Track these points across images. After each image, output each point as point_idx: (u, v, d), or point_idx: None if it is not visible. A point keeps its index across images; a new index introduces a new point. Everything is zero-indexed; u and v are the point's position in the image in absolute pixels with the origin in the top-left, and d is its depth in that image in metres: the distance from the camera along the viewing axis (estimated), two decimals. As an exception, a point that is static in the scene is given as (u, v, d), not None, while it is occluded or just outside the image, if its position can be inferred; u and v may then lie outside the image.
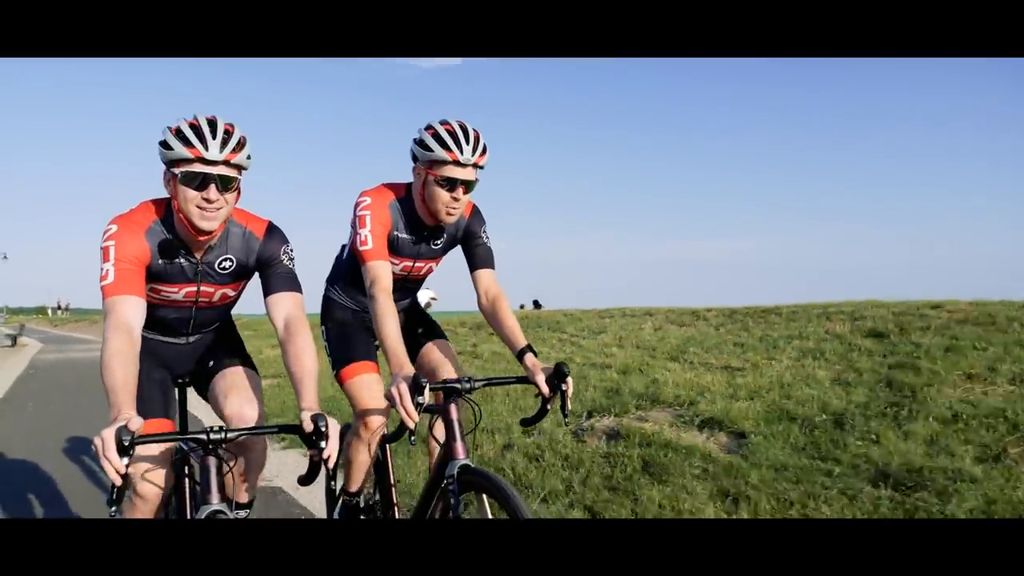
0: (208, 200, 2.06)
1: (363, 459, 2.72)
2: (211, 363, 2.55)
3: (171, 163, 2.07)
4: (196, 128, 2.04)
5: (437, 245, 2.73)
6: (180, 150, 2.03)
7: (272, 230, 2.35)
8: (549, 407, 2.41)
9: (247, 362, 2.57)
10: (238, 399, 2.37)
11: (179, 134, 2.04)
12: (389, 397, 2.13)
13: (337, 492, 3.04)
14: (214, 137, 2.04)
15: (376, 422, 2.65)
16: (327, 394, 6.41)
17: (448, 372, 2.83)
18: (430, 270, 2.84)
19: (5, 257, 54.52)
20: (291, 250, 2.36)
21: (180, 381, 2.61)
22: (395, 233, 2.60)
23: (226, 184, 2.08)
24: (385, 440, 2.82)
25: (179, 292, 2.31)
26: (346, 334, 2.84)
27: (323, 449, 1.86)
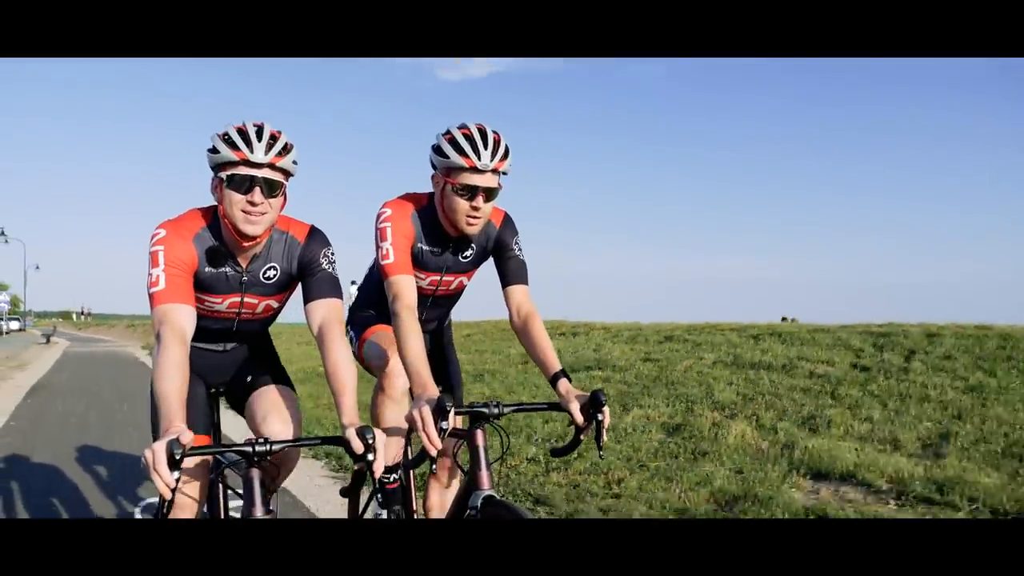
0: (252, 203, 2.02)
1: (393, 417, 2.48)
2: (248, 377, 2.47)
3: (218, 167, 2.05)
4: (243, 132, 2.03)
5: (466, 258, 2.56)
6: (226, 153, 2.01)
7: (314, 233, 2.27)
8: (583, 437, 2.22)
9: (283, 378, 2.50)
10: (276, 419, 2.28)
11: (226, 138, 2.03)
12: (410, 420, 1.96)
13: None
14: (259, 140, 2.01)
15: (398, 379, 2.45)
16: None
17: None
18: (461, 285, 2.68)
19: (37, 267, 59.55)
20: (332, 253, 2.26)
21: (212, 390, 2.53)
22: (419, 245, 2.45)
23: (272, 188, 2.04)
24: (406, 466, 2.61)
25: (223, 303, 2.25)
26: (376, 323, 2.70)
27: (372, 462, 1.80)
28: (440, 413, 1.91)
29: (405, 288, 2.28)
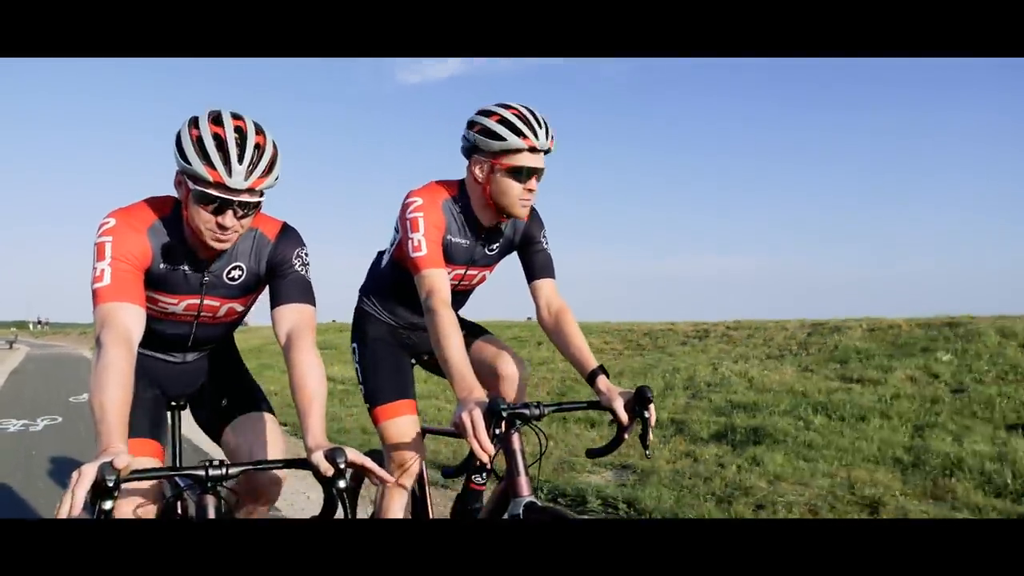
0: (222, 227, 1.79)
1: (399, 503, 2.41)
2: (223, 400, 2.26)
3: (185, 173, 1.76)
4: (221, 144, 1.72)
5: (493, 250, 2.44)
6: (199, 168, 1.71)
7: (286, 231, 2.05)
8: (626, 436, 2.10)
9: (260, 399, 2.29)
10: (260, 452, 2.10)
11: (200, 147, 1.71)
12: (459, 426, 1.80)
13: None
14: (240, 160, 1.72)
15: (413, 465, 2.38)
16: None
17: (511, 385, 2.52)
18: (483, 279, 2.55)
19: None
20: (306, 254, 2.06)
21: (173, 404, 2.28)
22: (448, 237, 2.31)
23: (247, 210, 1.80)
24: (444, 475, 2.57)
25: (179, 304, 2.01)
26: (382, 358, 2.53)
27: (344, 489, 1.58)
28: (492, 416, 1.80)
29: (439, 282, 2.14)
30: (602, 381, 2.14)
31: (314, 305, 2.02)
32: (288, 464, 1.69)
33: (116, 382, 1.60)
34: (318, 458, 1.61)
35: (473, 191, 2.29)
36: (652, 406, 2.04)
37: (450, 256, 2.33)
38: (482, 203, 2.29)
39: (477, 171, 2.24)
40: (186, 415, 2.34)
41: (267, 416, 2.23)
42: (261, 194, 1.82)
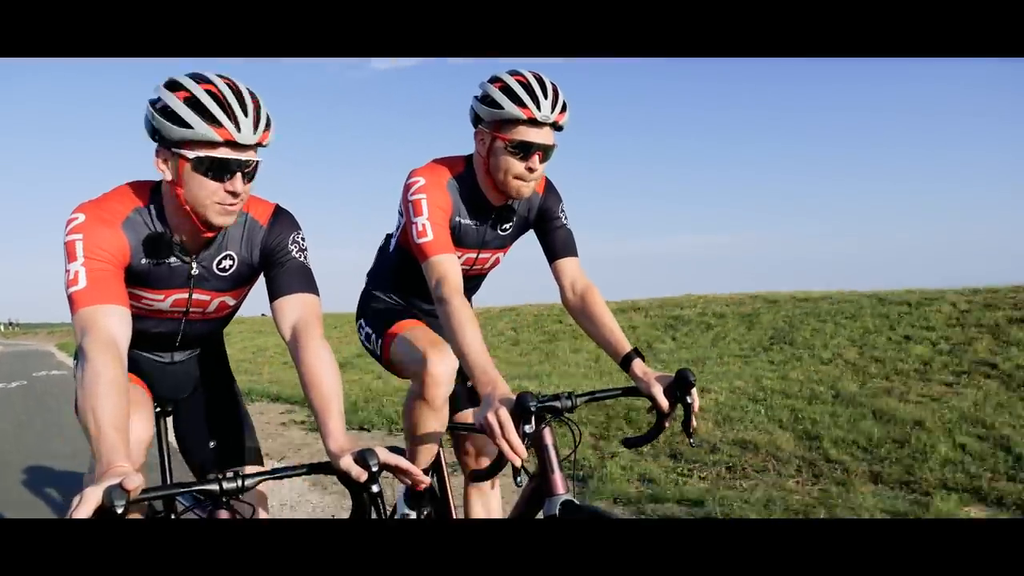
0: (233, 193, 1.62)
1: (431, 426, 2.14)
2: (200, 415, 2.10)
3: (180, 143, 1.57)
4: (220, 100, 1.56)
5: (506, 230, 2.24)
6: (203, 129, 1.54)
7: (279, 214, 1.87)
8: (667, 424, 1.95)
9: (250, 440, 2.11)
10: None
11: (197, 107, 1.54)
12: (484, 426, 1.62)
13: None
14: (246, 114, 1.57)
15: (444, 374, 2.05)
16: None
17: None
18: (496, 262, 2.36)
19: None
20: (303, 239, 1.88)
21: (158, 409, 2.12)
22: (457, 219, 2.12)
23: (252, 171, 1.64)
24: (472, 478, 2.32)
25: (165, 300, 1.84)
26: (391, 308, 2.35)
27: (377, 494, 1.44)
28: (522, 414, 1.61)
29: (450, 269, 1.95)
30: (638, 365, 1.97)
31: (318, 294, 1.84)
32: (312, 469, 1.52)
33: (108, 392, 1.41)
34: (347, 462, 1.45)
35: (478, 167, 2.10)
36: (695, 390, 1.87)
37: (459, 239, 2.14)
38: (487, 180, 2.09)
39: (479, 144, 2.05)
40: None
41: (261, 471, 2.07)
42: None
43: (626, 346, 2.03)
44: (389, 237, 2.42)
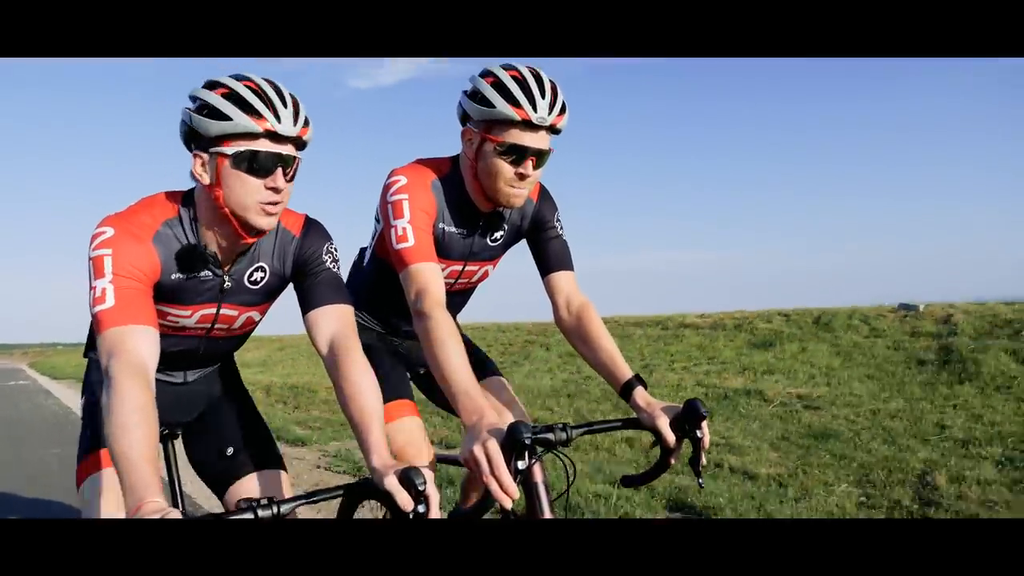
0: (276, 190, 1.56)
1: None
2: (228, 448, 1.97)
3: (219, 139, 1.53)
4: (259, 92, 1.52)
5: (496, 240, 2.04)
6: (243, 120, 1.50)
7: (311, 225, 1.82)
8: (673, 460, 1.73)
9: (270, 444, 2.01)
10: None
11: (237, 100, 1.51)
12: (470, 462, 1.41)
13: None
14: (285, 106, 1.54)
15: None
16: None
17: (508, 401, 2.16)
18: (485, 275, 2.16)
19: None
20: (335, 249, 1.83)
21: (166, 432, 2.05)
22: (441, 226, 1.92)
23: (293, 168, 1.59)
24: (453, 515, 2.18)
25: (192, 316, 1.76)
26: (373, 362, 2.01)
27: (424, 514, 1.35)
28: (513, 448, 1.39)
29: (432, 280, 1.75)
30: (641, 394, 1.77)
31: (351, 304, 1.78)
32: (350, 492, 1.45)
33: (139, 422, 1.33)
34: (392, 483, 1.35)
35: (466, 170, 1.90)
36: (705, 424, 1.66)
37: (444, 249, 1.95)
38: (474, 184, 1.89)
39: (466, 144, 1.85)
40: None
41: (283, 475, 1.95)
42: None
43: (626, 372, 1.83)
44: (363, 251, 2.23)
